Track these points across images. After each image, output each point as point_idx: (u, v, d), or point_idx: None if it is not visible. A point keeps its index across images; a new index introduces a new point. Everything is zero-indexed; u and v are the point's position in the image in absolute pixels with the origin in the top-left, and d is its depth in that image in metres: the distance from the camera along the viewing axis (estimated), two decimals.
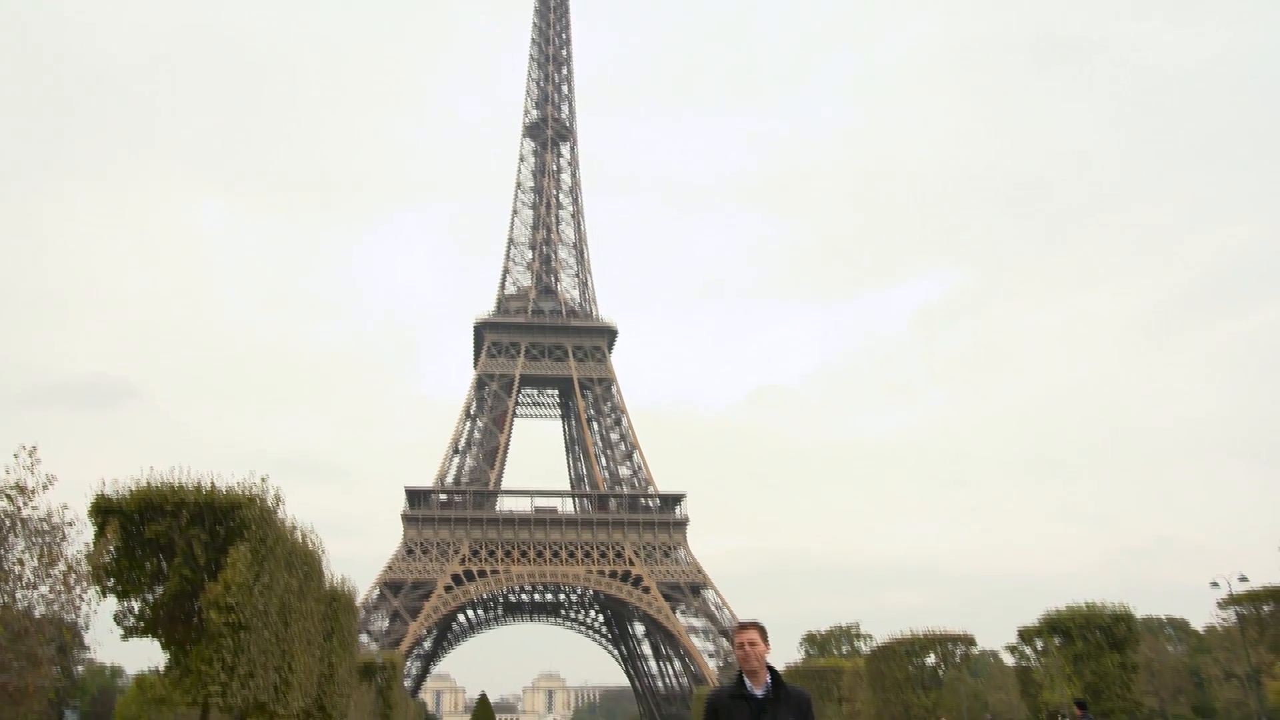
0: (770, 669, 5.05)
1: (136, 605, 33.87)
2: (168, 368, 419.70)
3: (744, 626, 5.25)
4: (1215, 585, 43.57)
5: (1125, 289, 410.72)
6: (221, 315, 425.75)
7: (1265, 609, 49.07)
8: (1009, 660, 61.24)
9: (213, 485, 34.30)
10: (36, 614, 24.12)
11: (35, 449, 22.35)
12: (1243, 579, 42.73)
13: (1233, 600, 47.58)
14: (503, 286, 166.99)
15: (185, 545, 33.11)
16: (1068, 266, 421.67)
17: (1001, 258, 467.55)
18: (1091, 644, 45.05)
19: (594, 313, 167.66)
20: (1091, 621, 45.41)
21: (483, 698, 31.16)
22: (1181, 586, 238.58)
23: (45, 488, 23.22)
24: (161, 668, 35.84)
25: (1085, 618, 45.62)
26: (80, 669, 70.12)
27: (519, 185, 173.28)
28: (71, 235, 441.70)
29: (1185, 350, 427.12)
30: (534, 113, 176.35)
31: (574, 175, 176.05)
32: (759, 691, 4.91)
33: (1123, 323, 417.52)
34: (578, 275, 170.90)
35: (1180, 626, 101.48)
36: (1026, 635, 51.46)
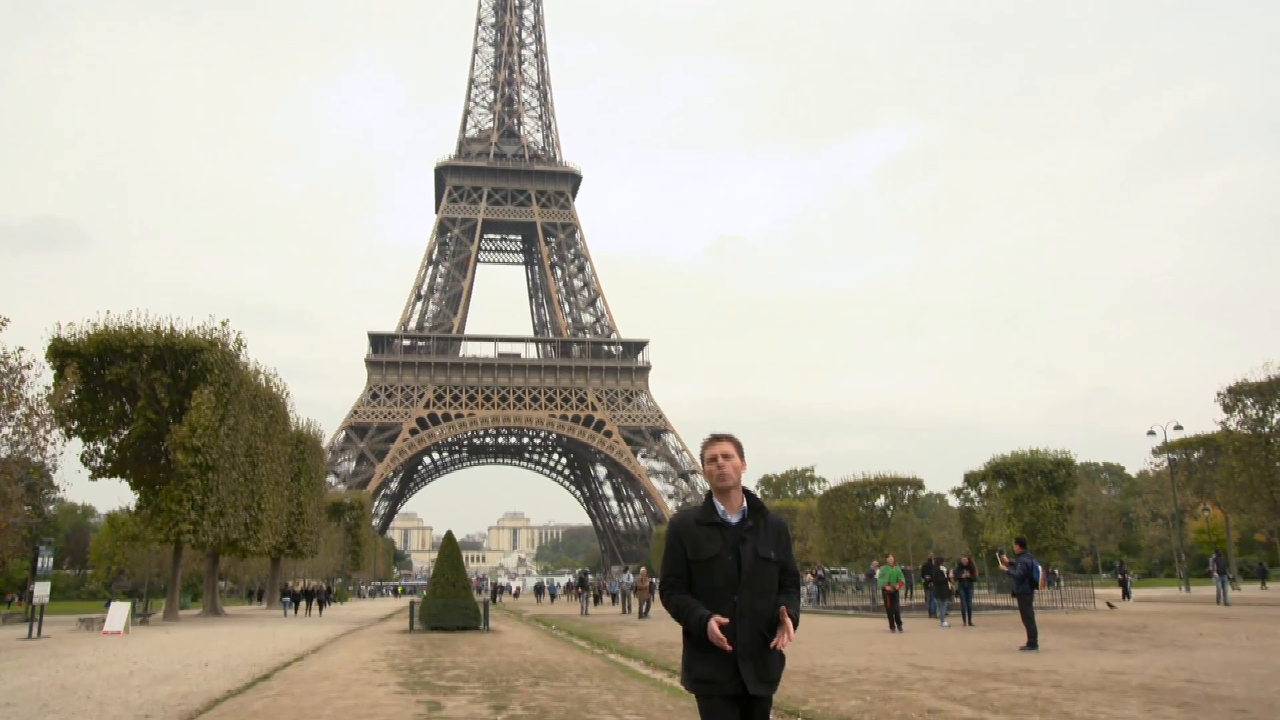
0: (746, 491, 4.21)
1: (103, 447, 34.24)
2: (119, 211, 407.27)
3: (716, 438, 4.21)
4: (1152, 433, 45.54)
5: (1091, 144, 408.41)
6: (173, 157, 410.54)
7: (1195, 455, 51.70)
8: (954, 502, 64.42)
9: (172, 329, 34.10)
10: (1, 455, 24.25)
11: None
12: (1178, 428, 44.69)
13: (1166, 447, 49.96)
14: (464, 129, 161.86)
15: (148, 388, 33.19)
16: (1034, 120, 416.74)
17: (968, 110, 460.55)
18: (1032, 488, 47.36)
19: (557, 157, 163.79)
20: (1034, 467, 47.59)
21: (449, 536, 32.29)
22: (1125, 435, 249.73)
23: None
24: (132, 507, 36.62)
25: (1028, 463, 47.77)
26: (52, 508, 71.20)
27: (479, 21, 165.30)
28: (9, 74, 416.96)
29: (1148, 207, 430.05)
30: None
31: (537, 11, 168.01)
32: (733, 517, 4.14)
33: (1088, 178, 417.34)
34: (541, 118, 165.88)
35: (1116, 472, 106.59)
36: (972, 479, 53.96)
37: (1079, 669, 12.18)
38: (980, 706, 9.12)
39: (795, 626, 4.08)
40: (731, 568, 4.04)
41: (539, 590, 67.97)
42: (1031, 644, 15.56)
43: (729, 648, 3.89)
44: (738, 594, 4.01)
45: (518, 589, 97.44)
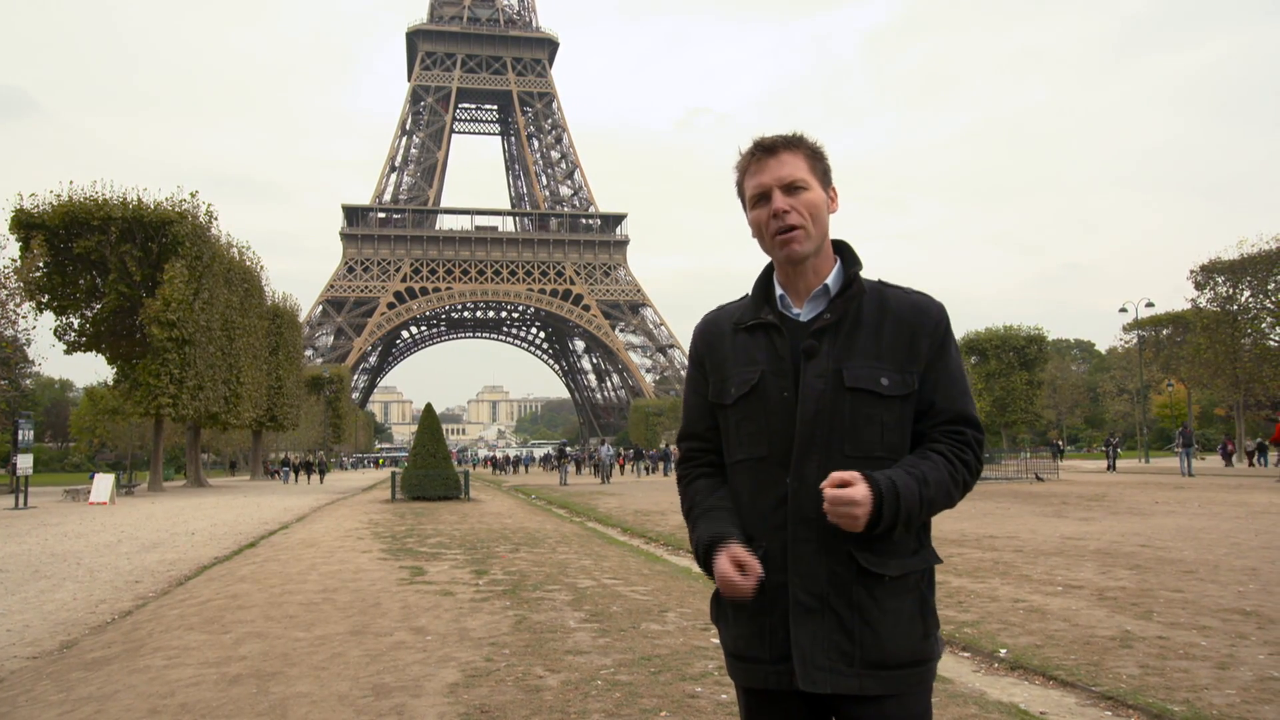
0: (843, 250, 1.94)
1: (76, 321, 33.94)
2: (71, 77, 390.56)
3: (764, 149, 1.90)
4: (1124, 310, 46.09)
5: (1087, 11, 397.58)
6: (127, 19, 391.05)
7: (1164, 332, 52.58)
8: None
9: (139, 200, 33.30)
10: None
11: None
12: (1149, 305, 45.22)
13: (1136, 324, 50.74)
14: None
15: (118, 261, 32.66)
16: None
17: None
18: (1004, 363, 48.23)
19: (533, 22, 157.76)
20: (1007, 343, 48.34)
21: (428, 408, 32.64)
22: (1099, 312, 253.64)
23: None
24: (110, 381, 36.61)
25: (1001, 339, 48.50)
26: (29, 382, 71.00)
27: None
28: None
29: (1143, 79, 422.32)
30: None
31: None
32: (802, 311, 1.88)
33: (1082, 49, 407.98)
34: None
35: (1086, 348, 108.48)
36: None
37: (1040, 535, 12.70)
38: (945, 570, 9.53)
39: (894, 516, 1.68)
40: (785, 410, 1.82)
41: (517, 462, 69.90)
42: None
43: (745, 593, 1.75)
44: (790, 470, 1.80)
45: (497, 458, 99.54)
